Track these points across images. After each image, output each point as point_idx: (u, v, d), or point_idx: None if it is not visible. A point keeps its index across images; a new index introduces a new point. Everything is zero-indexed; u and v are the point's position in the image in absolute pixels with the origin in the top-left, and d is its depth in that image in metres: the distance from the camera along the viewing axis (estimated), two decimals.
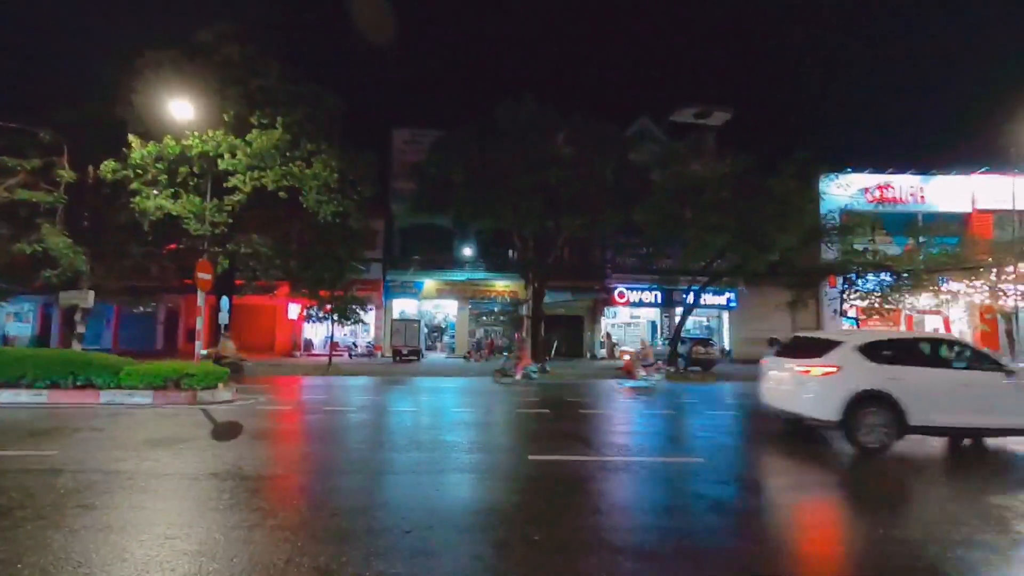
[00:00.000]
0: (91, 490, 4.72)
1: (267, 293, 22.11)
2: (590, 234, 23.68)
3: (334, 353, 21.89)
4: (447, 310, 29.13)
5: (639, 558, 3.64)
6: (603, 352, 27.64)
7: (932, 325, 28.22)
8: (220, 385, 10.69)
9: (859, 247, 21.68)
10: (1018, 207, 20.77)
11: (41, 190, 15.17)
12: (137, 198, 15.31)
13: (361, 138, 19.95)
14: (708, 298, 25.09)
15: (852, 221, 21.78)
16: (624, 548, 3.78)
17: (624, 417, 10.20)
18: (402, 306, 27.98)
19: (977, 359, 7.35)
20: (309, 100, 17.28)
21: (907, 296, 22.76)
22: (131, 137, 15.18)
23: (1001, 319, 23.73)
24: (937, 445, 7.50)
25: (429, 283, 27.42)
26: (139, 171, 15.39)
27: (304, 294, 20.46)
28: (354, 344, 26.91)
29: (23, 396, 9.81)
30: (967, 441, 7.66)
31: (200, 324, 12.48)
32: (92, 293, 15.59)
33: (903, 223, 24.84)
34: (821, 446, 7.41)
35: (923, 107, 68.25)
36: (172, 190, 15.71)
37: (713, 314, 29.15)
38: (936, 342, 7.92)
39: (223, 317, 15.20)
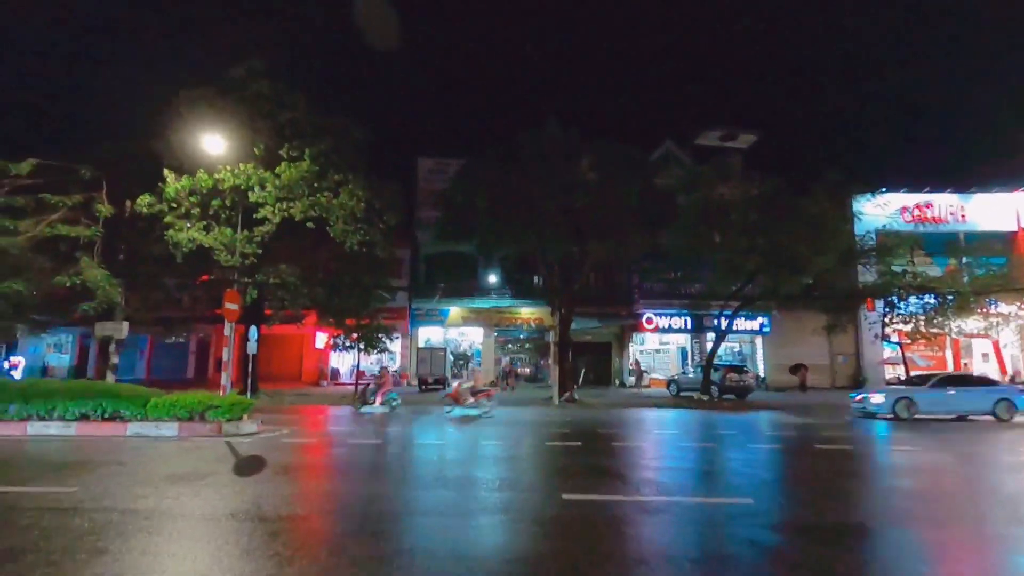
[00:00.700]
0: (106, 531, 4.53)
1: (294, 322, 22.28)
2: (616, 259, 23.24)
3: (360, 382, 21.76)
4: (473, 338, 28.89)
5: None
6: (631, 380, 26.85)
7: (981, 350, 26.78)
8: (245, 417, 10.60)
9: (897, 268, 20.79)
10: None
11: (81, 225, 15.60)
12: (171, 231, 15.71)
13: (386, 168, 20.31)
14: (740, 323, 24.34)
15: (891, 241, 20.95)
16: None
17: (659, 451, 9.71)
18: (428, 334, 27.89)
19: None
20: (335, 132, 17.63)
21: (953, 319, 21.63)
22: (166, 171, 15.66)
23: None
24: None
25: (454, 311, 27.30)
26: (173, 204, 15.83)
27: (331, 323, 20.55)
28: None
29: (52, 428, 9.88)
30: None
31: (227, 354, 12.51)
32: (126, 324, 15.88)
33: (943, 243, 23.83)
34: (874, 485, 6.80)
35: (956, 126, 66.64)
36: (204, 222, 16.10)
37: (746, 340, 28.21)
38: None
39: (251, 347, 15.27)
